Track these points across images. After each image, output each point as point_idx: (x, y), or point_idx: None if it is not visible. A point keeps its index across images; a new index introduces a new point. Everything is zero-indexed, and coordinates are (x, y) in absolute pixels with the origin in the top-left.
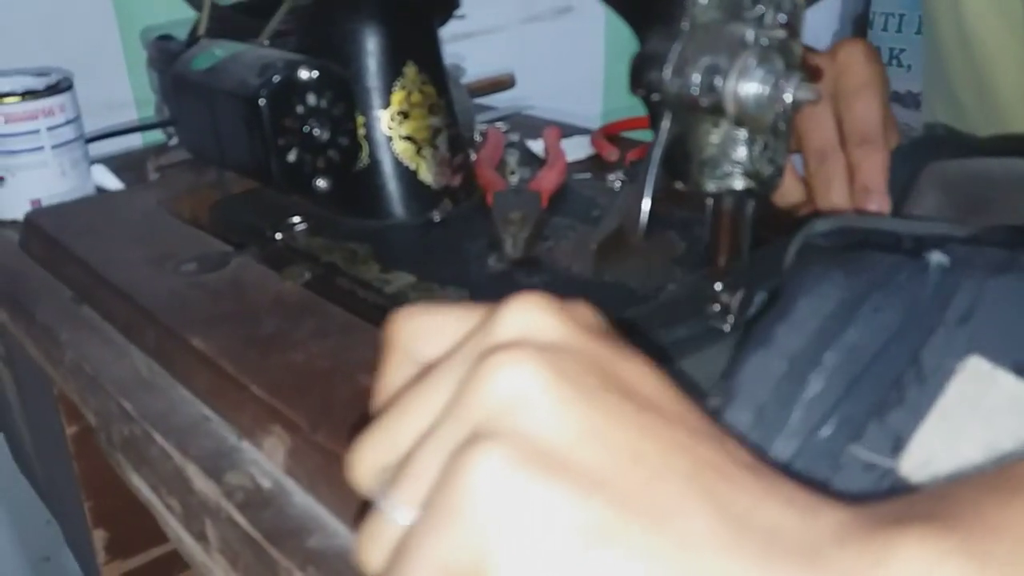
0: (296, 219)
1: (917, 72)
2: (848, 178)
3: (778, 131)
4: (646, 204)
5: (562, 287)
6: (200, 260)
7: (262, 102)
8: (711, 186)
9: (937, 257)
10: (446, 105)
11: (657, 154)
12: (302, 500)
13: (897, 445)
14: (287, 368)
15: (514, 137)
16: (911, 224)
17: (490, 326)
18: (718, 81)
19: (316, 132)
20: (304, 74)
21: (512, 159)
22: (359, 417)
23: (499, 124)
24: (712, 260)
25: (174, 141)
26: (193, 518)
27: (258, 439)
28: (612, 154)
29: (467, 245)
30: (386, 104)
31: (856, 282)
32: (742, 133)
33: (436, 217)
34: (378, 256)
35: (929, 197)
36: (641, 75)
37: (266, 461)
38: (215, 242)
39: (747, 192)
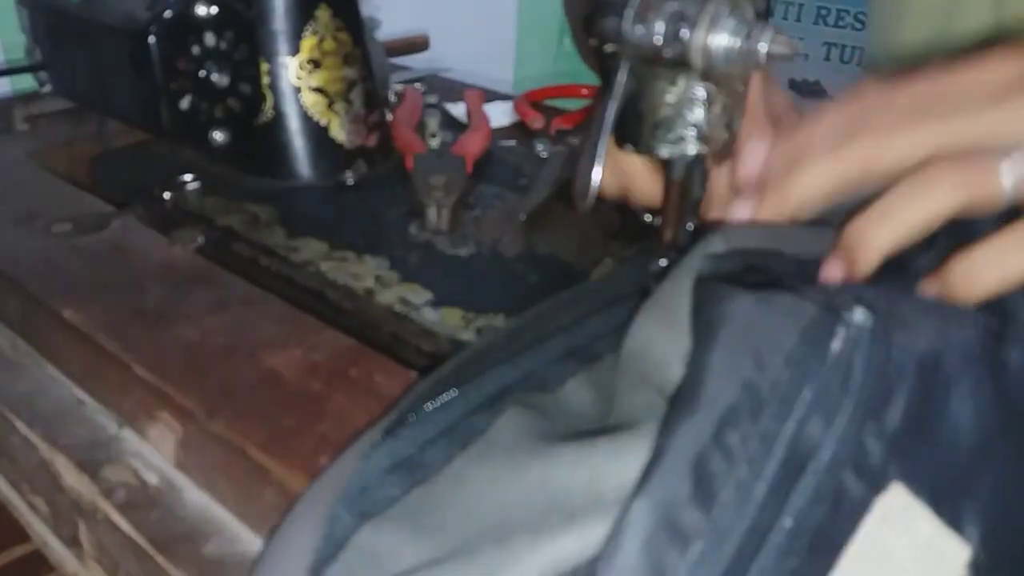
0: (188, 177)
1: (815, 61)
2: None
3: (736, 92)
4: (598, 170)
5: (490, 260)
6: (76, 220)
7: (152, 39)
8: (664, 151)
9: (859, 316)
10: (362, 56)
11: (611, 113)
12: (196, 499)
13: None
14: (178, 345)
15: (432, 100)
16: (805, 240)
17: None
18: (684, 31)
19: (214, 77)
20: (201, 9)
21: (433, 121)
22: (264, 403)
23: (416, 85)
24: (658, 233)
25: (47, 88)
26: (63, 520)
27: (143, 427)
28: (536, 121)
29: (384, 211)
30: (295, 50)
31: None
32: (700, 92)
33: (349, 179)
34: (283, 220)
35: None
36: (596, 22)
37: (152, 453)
38: (94, 201)
39: (700, 159)
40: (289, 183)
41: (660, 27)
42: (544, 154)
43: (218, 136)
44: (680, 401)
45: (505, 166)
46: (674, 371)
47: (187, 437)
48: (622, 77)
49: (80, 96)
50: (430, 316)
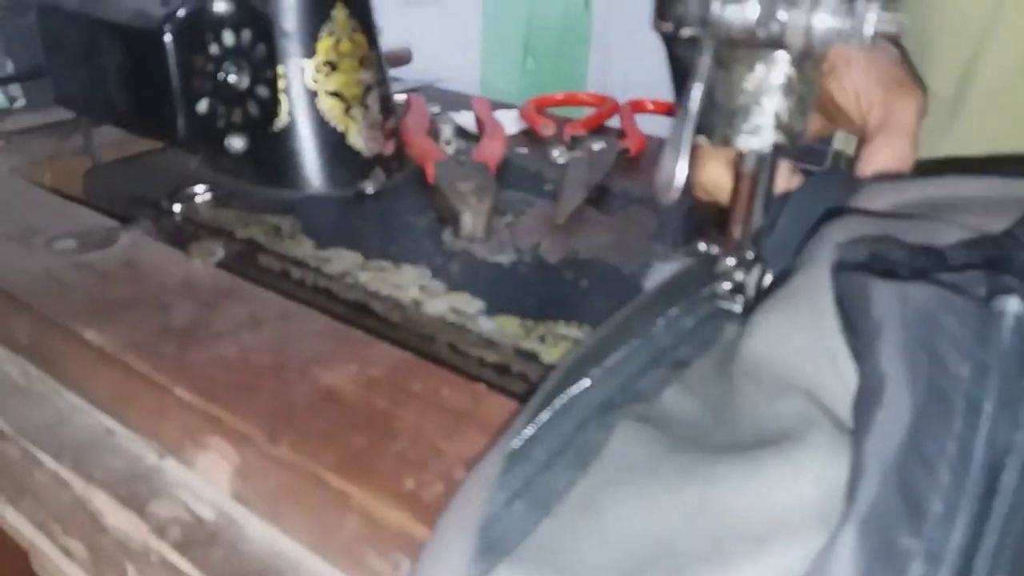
0: (199, 188)
1: None
2: None
3: (812, 80)
4: (683, 162)
5: (534, 266)
6: (80, 236)
7: (168, 38)
8: (741, 141)
9: (1014, 306)
10: (377, 59)
11: (696, 101)
12: (260, 533)
13: None
14: (219, 364)
15: (435, 109)
16: (911, 229)
17: None
18: (782, 10)
19: (232, 79)
20: (219, 6)
21: (447, 128)
22: (329, 422)
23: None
24: (727, 232)
25: (19, 103)
26: (106, 564)
27: (189, 456)
28: (548, 128)
29: (412, 220)
30: (311, 52)
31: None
32: (780, 78)
33: (369, 188)
34: (307, 231)
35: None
36: (673, 4)
37: (202, 484)
38: (93, 215)
39: (775, 151)
40: (303, 193)
41: (754, 7)
42: (561, 160)
43: (236, 142)
44: (864, 410)
45: (525, 172)
46: (823, 373)
47: (245, 464)
48: (706, 61)
49: (79, 101)
50: (486, 325)
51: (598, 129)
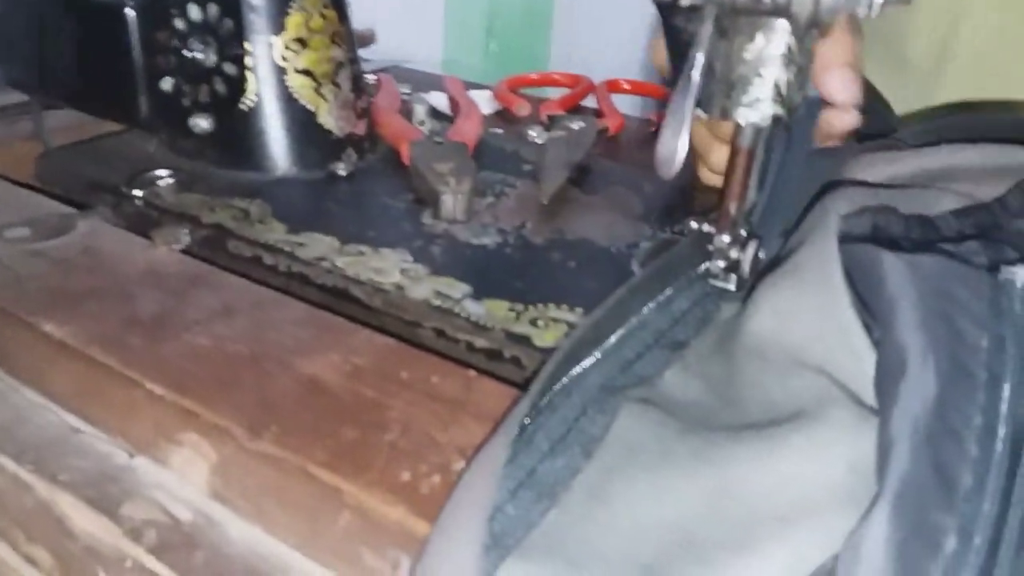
0: (162, 172)
1: None
2: None
3: (810, 52)
4: (684, 136)
5: (520, 248)
6: (32, 224)
7: (130, 12)
8: (740, 113)
9: (1023, 276)
10: (348, 35)
11: (697, 72)
12: (244, 533)
13: None
14: (192, 356)
15: (405, 90)
16: (906, 198)
17: None
18: None
19: (199, 55)
20: None
21: (421, 108)
22: (315, 414)
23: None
24: (721, 208)
25: None
26: (76, 572)
27: (162, 454)
28: (523, 108)
29: (388, 202)
30: (280, 28)
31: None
32: (779, 48)
33: (341, 170)
34: (278, 215)
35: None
36: None
37: (178, 483)
38: (48, 202)
39: (774, 124)
40: (274, 175)
41: None
42: (539, 140)
43: (202, 123)
44: (887, 384)
45: (503, 153)
46: (836, 349)
47: (224, 461)
48: (707, 30)
49: (32, 81)
50: (474, 309)
51: (574, 109)
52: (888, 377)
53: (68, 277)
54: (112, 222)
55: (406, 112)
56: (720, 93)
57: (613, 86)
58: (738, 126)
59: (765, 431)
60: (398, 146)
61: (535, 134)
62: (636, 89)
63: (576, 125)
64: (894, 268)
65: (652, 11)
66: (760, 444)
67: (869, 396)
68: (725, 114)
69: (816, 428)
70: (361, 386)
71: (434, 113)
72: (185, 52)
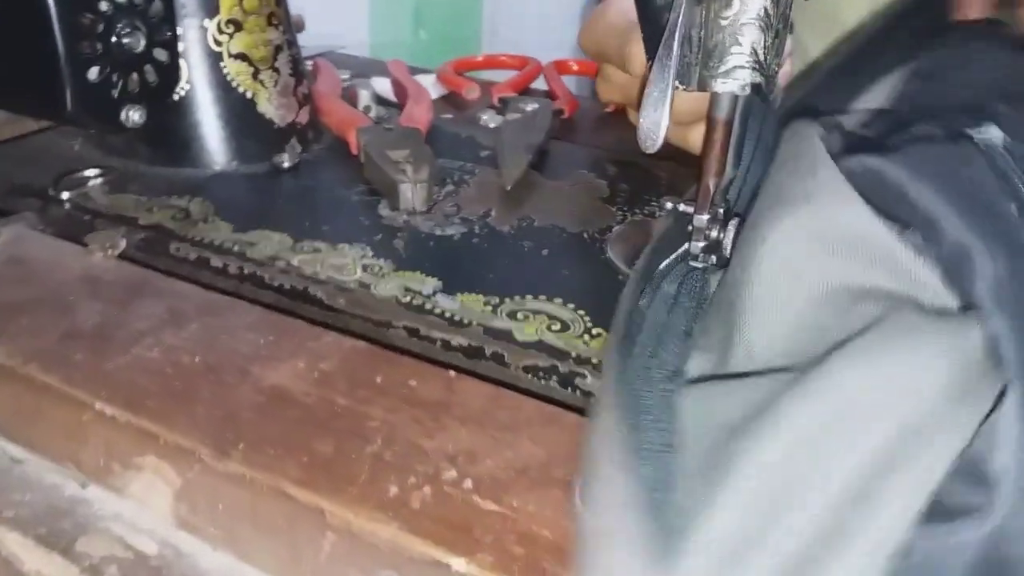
0: (91, 172)
1: None
2: None
3: (787, 17)
4: (664, 111)
5: (487, 237)
6: None
7: None
8: (718, 84)
9: (996, 133)
10: (285, 16)
11: (676, 42)
12: (216, 563)
13: None
14: (142, 371)
15: (344, 75)
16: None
17: None
18: None
19: (127, 40)
20: None
21: (365, 93)
22: (285, 428)
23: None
24: (699, 185)
25: None
26: None
27: (118, 481)
28: (473, 91)
29: (340, 194)
30: (213, 10)
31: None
32: (755, 15)
33: (285, 162)
34: (221, 213)
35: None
36: None
37: (139, 513)
38: None
39: (754, 92)
40: (213, 170)
41: None
42: (492, 124)
43: (134, 115)
44: (958, 276)
45: (457, 139)
46: (875, 270)
47: (189, 485)
48: None
49: None
50: (447, 305)
51: (524, 91)
52: (955, 269)
53: None
54: (39, 228)
55: (349, 98)
56: (697, 63)
57: (562, 67)
58: (715, 96)
59: (856, 355)
60: (344, 134)
61: (487, 118)
62: (584, 69)
63: (530, 107)
64: (900, 173)
65: None
66: (859, 366)
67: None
68: (703, 85)
69: (903, 337)
70: (332, 394)
71: (378, 99)
72: (112, 38)
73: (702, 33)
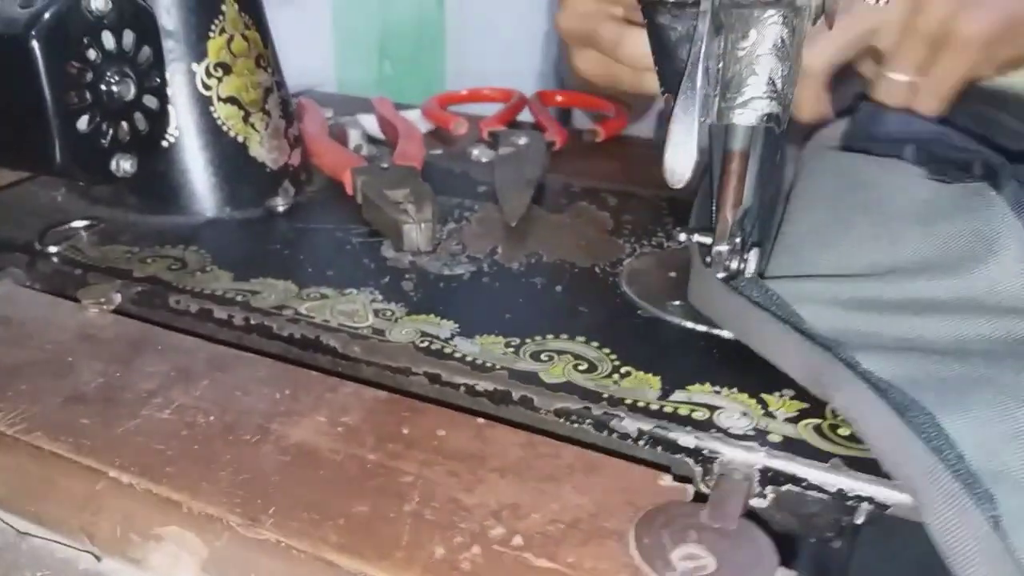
0: (79, 223)
1: None
2: None
3: (800, 46)
4: (693, 145)
5: (497, 275)
6: None
7: (34, 44)
8: (735, 115)
9: None
10: (273, 58)
11: (700, 76)
12: None
13: None
14: (156, 433)
15: (327, 114)
16: None
17: None
18: None
19: (115, 89)
20: (94, 3)
21: (355, 133)
22: (314, 489)
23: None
24: (718, 216)
25: None
26: None
27: (137, 553)
28: (460, 126)
29: (339, 237)
30: (201, 54)
31: None
32: (771, 44)
33: (279, 206)
34: (219, 262)
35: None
36: None
37: None
38: None
39: (768, 121)
40: (205, 217)
41: None
42: (484, 159)
43: (125, 164)
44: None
45: (451, 175)
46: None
47: (217, 555)
48: (703, 27)
49: None
50: (468, 348)
51: (512, 124)
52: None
53: None
54: (28, 284)
55: (337, 137)
56: (716, 94)
57: (546, 98)
58: (732, 127)
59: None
60: (338, 175)
61: (479, 152)
62: (569, 100)
63: (522, 140)
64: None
65: (545, 21)
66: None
67: None
68: (721, 117)
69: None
70: (360, 449)
71: (368, 137)
72: (102, 87)
73: (720, 65)
